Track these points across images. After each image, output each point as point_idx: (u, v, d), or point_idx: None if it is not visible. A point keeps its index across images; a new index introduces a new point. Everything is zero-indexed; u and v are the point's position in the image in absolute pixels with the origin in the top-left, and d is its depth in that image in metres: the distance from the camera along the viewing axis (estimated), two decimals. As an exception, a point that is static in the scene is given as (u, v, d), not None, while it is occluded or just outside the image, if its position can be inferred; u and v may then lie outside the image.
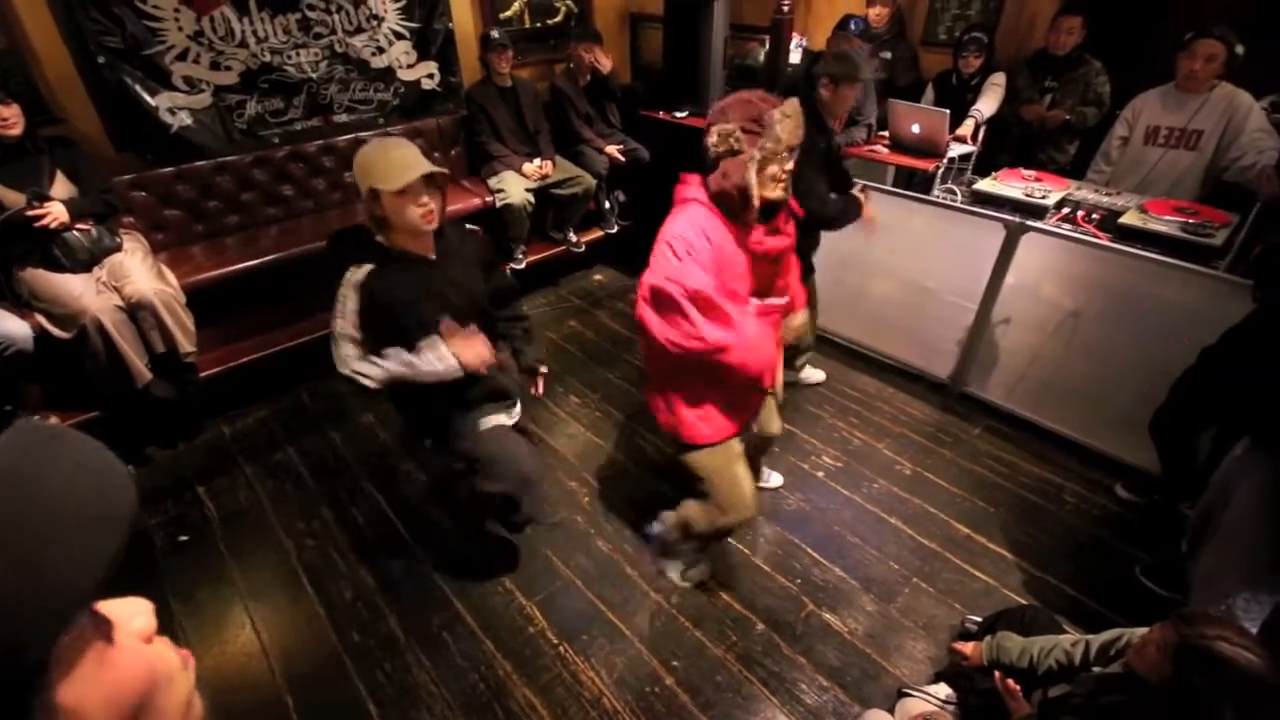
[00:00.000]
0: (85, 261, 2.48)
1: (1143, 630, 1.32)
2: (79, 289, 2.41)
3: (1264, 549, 1.56)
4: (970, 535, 2.35)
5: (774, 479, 2.55)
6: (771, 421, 2.08)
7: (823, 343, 3.34)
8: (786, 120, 1.47)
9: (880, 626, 2.04)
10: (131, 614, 0.43)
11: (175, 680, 0.44)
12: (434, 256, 1.68)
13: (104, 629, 0.41)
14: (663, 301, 1.54)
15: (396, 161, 1.53)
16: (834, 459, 2.70)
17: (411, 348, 1.60)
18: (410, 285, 1.61)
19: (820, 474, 2.63)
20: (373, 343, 1.60)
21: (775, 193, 1.56)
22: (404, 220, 1.56)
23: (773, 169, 1.52)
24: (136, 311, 2.50)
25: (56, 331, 2.39)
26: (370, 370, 1.58)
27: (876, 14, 3.67)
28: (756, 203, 1.52)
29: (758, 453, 2.24)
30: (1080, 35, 3.10)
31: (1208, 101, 2.69)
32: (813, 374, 3.13)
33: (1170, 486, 2.31)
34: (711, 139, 1.52)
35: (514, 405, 1.96)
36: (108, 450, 0.43)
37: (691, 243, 1.53)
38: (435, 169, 1.55)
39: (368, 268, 1.57)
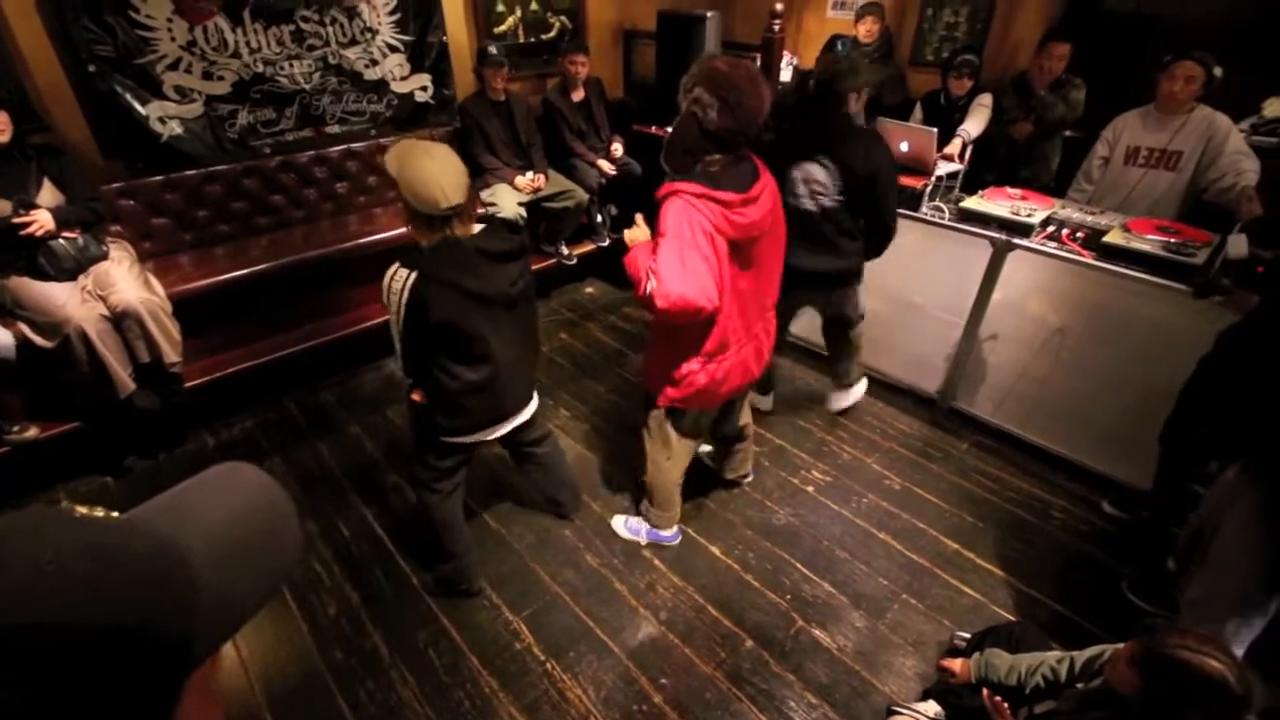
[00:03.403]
0: (71, 270, 2.45)
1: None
2: (63, 298, 2.38)
3: (1254, 576, 1.56)
4: (959, 551, 2.35)
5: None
6: None
7: (811, 357, 3.36)
8: None
9: (869, 643, 2.04)
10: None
11: None
12: None
13: (213, 662, 0.44)
14: None
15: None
16: (823, 473, 2.71)
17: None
18: None
19: (810, 489, 2.63)
20: None
21: None
22: None
23: None
24: (122, 321, 2.47)
25: (39, 340, 2.35)
26: None
27: (866, 30, 3.73)
28: None
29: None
30: (1067, 61, 3.18)
31: (1187, 123, 2.74)
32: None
33: (1159, 502, 2.32)
34: None
35: None
36: (298, 525, 0.51)
37: None
38: None
39: None
